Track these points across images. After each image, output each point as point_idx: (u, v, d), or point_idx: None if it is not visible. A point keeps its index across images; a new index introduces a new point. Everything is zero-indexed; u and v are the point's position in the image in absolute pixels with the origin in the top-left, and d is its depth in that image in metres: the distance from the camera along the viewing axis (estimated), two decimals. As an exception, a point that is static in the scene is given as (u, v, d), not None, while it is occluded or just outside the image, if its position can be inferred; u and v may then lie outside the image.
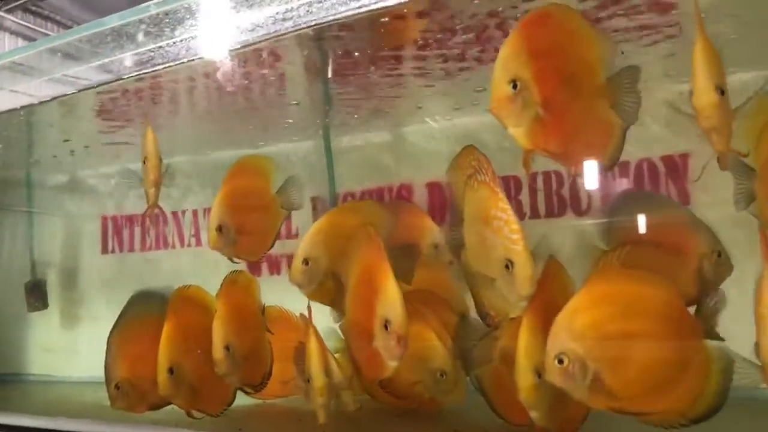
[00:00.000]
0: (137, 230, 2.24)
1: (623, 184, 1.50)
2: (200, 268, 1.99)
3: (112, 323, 1.45)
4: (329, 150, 1.86)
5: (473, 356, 1.19)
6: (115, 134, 1.90)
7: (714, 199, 1.33)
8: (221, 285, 1.41)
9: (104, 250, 2.30)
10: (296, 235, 1.93)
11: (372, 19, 1.13)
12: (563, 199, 1.61)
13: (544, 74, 0.96)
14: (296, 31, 1.12)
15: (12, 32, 4.03)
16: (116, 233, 2.28)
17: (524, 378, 1.01)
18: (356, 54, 1.33)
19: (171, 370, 1.33)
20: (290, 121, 1.82)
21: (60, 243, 2.36)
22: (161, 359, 1.33)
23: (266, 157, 1.54)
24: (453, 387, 1.26)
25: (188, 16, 1.25)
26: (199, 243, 2.11)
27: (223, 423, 1.41)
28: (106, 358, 1.41)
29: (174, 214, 2.14)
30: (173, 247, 2.15)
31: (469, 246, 1.10)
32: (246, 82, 1.49)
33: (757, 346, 0.86)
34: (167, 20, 1.27)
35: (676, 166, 1.47)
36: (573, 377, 0.92)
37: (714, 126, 0.89)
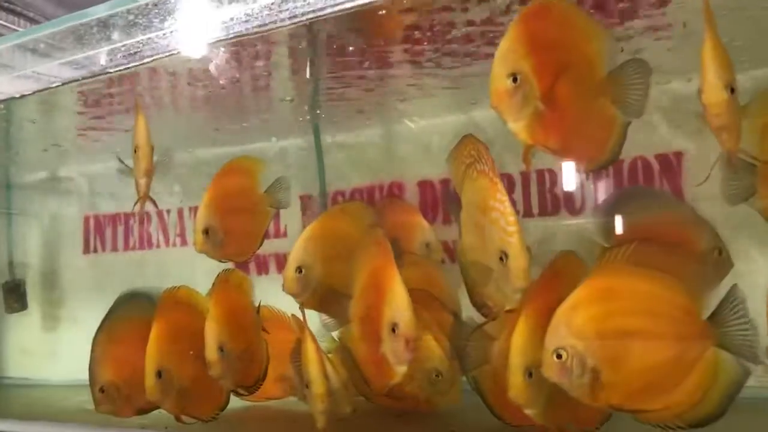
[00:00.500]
0: (120, 229, 2.19)
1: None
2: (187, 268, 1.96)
3: (94, 325, 1.41)
4: (319, 148, 1.84)
5: (470, 357, 1.17)
6: (100, 131, 1.86)
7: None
8: (213, 284, 1.38)
9: (86, 249, 2.25)
10: (285, 234, 1.91)
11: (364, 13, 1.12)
12: (557, 198, 1.60)
13: (544, 68, 0.94)
14: (293, 24, 1.10)
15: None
16: (98, 232, 2.24)
17: (515, 376, 1.01)
18: (348, 48, 1.32)
19: (159, 374, 1.30)
20: (279, 118, 1.80)
21: (40, 242, 2.31)
22: (149, 362, 1.30)
23: (253, 158, 1.52)
24: (448, 388, 1.25)
25: (170, 11, 1.22)
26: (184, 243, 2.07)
27: (214, 427, 1.38)
28: (91, 359, 1.37)
29: (159, 213, 2.10)
30: (158, 246, 2.12)
31: (465, 236, 1.09)
32: (234, 77, 1.47)
33: None
34: (154, 12, 1.24)
35: (670, 165, 1.47)
36: (571, 373, 0.91)
37: (724, 124, 0.88)
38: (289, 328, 1.38)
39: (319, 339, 1.25)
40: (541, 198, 1.62)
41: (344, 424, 1.21)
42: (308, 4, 1.08)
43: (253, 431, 1.46)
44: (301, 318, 1.27)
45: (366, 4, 1.06)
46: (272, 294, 1.41)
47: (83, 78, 1.35)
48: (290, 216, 1.85)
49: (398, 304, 1.06)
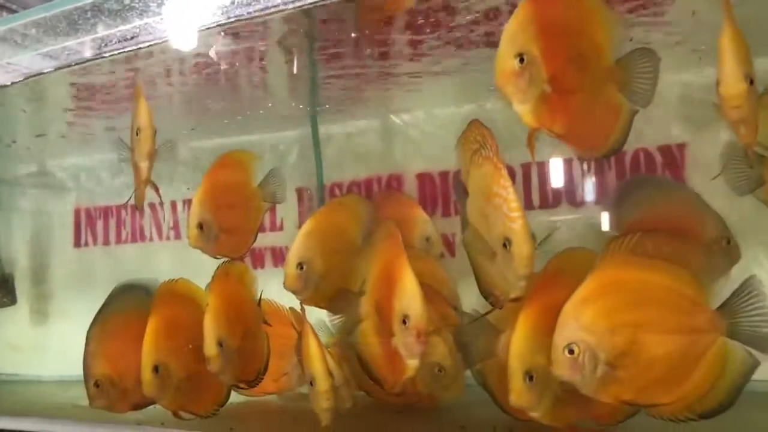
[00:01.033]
0: (112, 222, 2.16)
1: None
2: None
3: (85, 320, 1.38)
4: (317, 139, 1.81)
5: (476, 351, 1.15)
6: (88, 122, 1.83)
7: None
8: (213, 277, 1.35)
9: (77, 243, 2.21)
10: (281, 228, 1.88)
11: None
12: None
13: (552, 50, 0.92)
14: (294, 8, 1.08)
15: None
16: (90, 225, 2.20)
17: (515, 380, 0.99)
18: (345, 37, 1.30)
19: (156, 369, 1.27)
20: (276, 109, 1.78)
21: (29, 236, 2.27)
22: (145, 357, 1.27)
23: (246, 151, 1.50)
24: (451, 382, 1.23)
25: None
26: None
27: (212, 423, 1.35)
28: (86, 353, 1.34)
29: (152, 206, 2.06)
30: (151, 240, 2.08)
31: (471, 222, 1.07)
32: (230, 66, 1.45)
33: None
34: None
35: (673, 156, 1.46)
36: (583, 368, 0.89)
37: (742, 117, 0.86)
38: (286, 322, 1.36)
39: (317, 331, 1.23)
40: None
41: (345, 421, 1.19)
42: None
43: (252, 429, 1.43)
44: (300, 311, 1.25)
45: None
46: (269, 288, 1.40)
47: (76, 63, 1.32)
48: (288, 209, 1.83)
49: (409, 297, 1.05)
